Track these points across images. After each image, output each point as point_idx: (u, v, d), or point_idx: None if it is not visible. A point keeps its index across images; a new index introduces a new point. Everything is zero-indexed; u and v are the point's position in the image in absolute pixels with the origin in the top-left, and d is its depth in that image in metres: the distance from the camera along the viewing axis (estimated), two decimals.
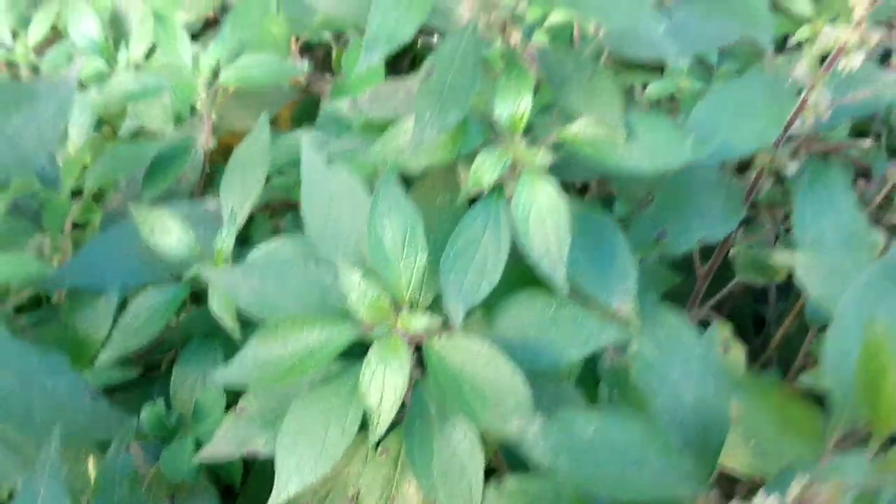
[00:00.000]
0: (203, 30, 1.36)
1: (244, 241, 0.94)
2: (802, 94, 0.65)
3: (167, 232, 0.70)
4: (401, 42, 0.51)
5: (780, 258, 0.63)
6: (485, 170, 0.56)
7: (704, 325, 0.78)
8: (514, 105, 0.56)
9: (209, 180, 1.00)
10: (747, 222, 0.86)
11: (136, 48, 0.97)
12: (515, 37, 0.60)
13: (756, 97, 0.61)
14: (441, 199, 0.59)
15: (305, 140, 0.59)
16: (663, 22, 0.64)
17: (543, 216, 0.54)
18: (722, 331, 0.72)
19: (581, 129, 0.56)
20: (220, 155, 1.10)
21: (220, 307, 0.66)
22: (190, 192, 0.87)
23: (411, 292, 0.55)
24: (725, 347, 0.71)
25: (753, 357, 0.95)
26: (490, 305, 0.57)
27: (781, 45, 1.01)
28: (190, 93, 0.81)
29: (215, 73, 0.82)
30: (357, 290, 0.55)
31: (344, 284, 0.55)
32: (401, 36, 0.51)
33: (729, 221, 0.66)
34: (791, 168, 0.71)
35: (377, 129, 0.62)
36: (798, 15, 0.98)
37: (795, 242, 0.64)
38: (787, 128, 0.66)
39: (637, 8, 0.51)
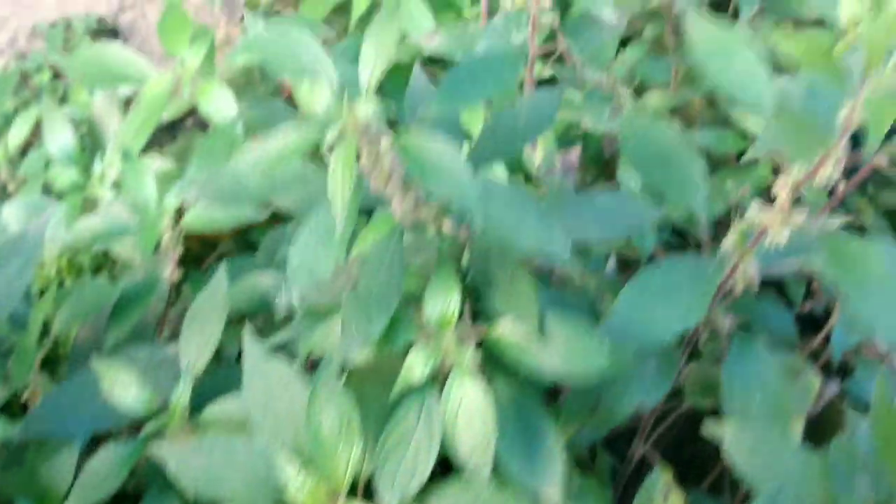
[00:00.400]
0: (183, 119, 1.40)
1: (217, 353, 0.98)
2: (731, 264, 0.68)
3: (125, 388, 0.72)
4: (322, 276, 0.54)
5: (709, 429, 0.65)
6: (415, 367, 0.59)
7: (648, 464, 0.80)
8: (443, 304, 0.59)
9: (184, 275, 1.04)
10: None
11: (109, 170, 1.00)
12: (447, 226, 0.62)
13: (679, 279, 0.63)
14: (378, 387, 0.61)
15: (248, 332, 0.62)
16: (598, 200, 0.68)
17: (471, 415, 0.57)
18: (664, 476, 0.74)
19: (504, 329, 0.59)
20: (196, 245, 1.14)
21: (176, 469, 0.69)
22: (157, 320, 0.90)
23: (348, 481, 0.58)
24: (665, 494, 0.74)
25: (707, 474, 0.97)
26: (424, 491, 0.59)
27: (740, 155, 1.04)
28: (155, 232, 0.83)
29: (180, 213, 0.85)
30: (295, 481, 0.58)
31: (283, 475, 0.58)
32: (322, 270, 0.54)
33: (663, 383, 0.69)
34: (726, 325, 0.74)
35: (321, 312, 0.65)
36: (751, 131, 1.01)
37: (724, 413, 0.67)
38: (717, 293, 0.69)
39: (546, 233, 0.54)
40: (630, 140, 0.72)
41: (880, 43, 0.53)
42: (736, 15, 0.98)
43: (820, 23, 1.00)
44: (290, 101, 1.39)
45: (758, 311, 0.84)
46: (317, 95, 0.54)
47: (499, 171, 0.83)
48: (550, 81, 0.97)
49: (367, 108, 0.53)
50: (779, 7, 1.04)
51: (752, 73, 0.64)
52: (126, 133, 0.94)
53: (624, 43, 1.15)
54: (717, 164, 1.06)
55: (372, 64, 0.55)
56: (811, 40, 0.54)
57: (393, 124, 1.16)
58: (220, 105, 0.94)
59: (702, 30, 0.65)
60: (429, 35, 0.87)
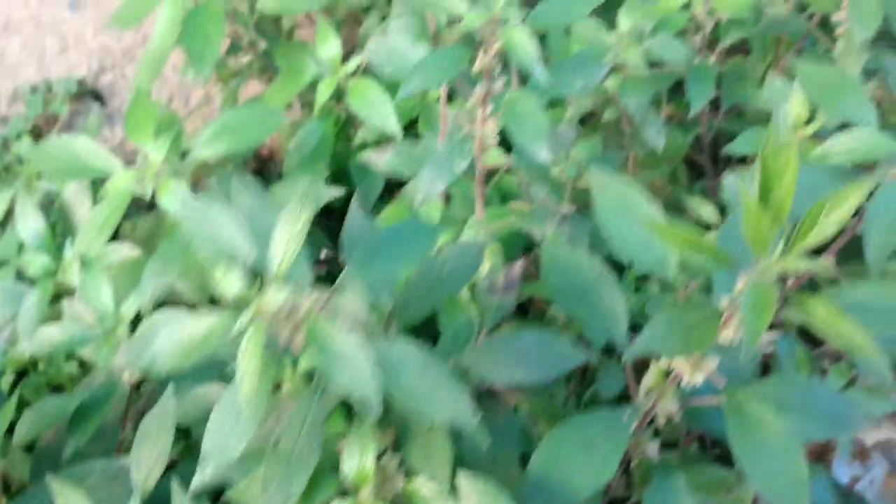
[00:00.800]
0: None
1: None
2: (652, 402, 0.70)
3: None
4: (232, 457, 0.56)
5: None
6: None
7: None
8: (360, 461, 0.62)
9: None
10: None
11: (77, 260, 1.02)
12: None
13: (592, 434, 0.66)
14: None
15: (175, 484, 0.65)
16: (523, 339, 0.70)
17: None
18: None
19: (419, 486, 0.62)
20: None
21: None
22: (119, 419, 0.93)
23: None
24: None
25: None
26: None
27: None
28: (111, 342, 0.86)
29: (138, 319, 0.88)
30: None
31: None
32: (232, 451, 0.56)
33: None
34: (653, 450, 0.76)
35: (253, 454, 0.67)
36: (705, 220, 1.03)
37: None
38: (642, 423, 0.72)
39: (456, 405, 0.57)
40: (552, 271, 0.75)
41: (765, 232, 0.54)
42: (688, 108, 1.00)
43: (767, 117, 1.02)
44: (259, 171, 1.42)
45: (698, 416, 0.86)
46: (231, 277, 0.57)
47: None
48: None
49: (277, 297, 0.55)
50: (732, 97, 1.05)
51: (654, 239, 0.66)
52: (88, 233, 0.97)
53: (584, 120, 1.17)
54: None
55: (282, 252, 0.57)
56: (691, 233, 0.56)
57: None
58: (181, 202, 0.96)
59: (605, 187, 0.68)
60: (380, 152, 0.89)
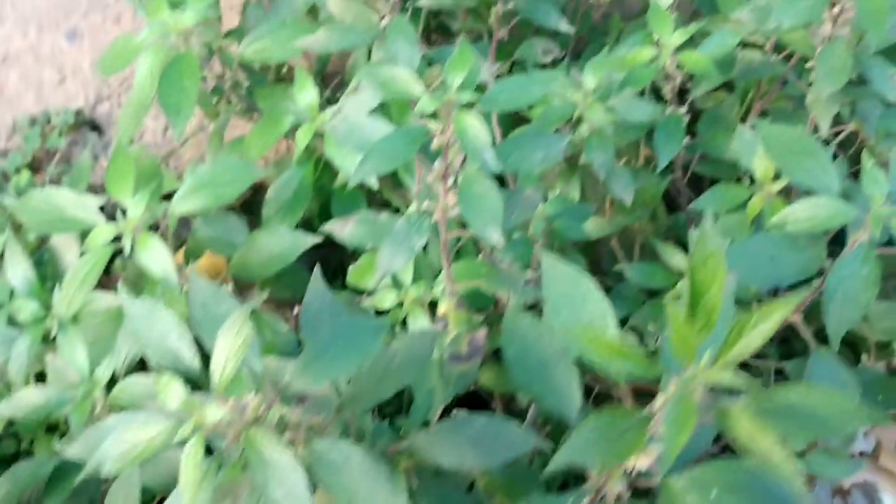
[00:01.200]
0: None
1: None
2: (603, 480, 0.71)
3: None
4: None
5: None
6: None
7: None
8: None
9: None
10: None
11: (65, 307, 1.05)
12: None
13: None
14: None
15: None
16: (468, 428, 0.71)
17: None
18: None
19: None
20: None
21: None
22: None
23: None
24: None
25: None
26: None
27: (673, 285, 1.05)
28: (85, 405, 0.89)
29: (112, 382, 0.91)
30: None
31: None
32: None
33: None
34: None
35: None
36: (675, 267, 1.03)
37: None
38: (592, 501, 0.73)
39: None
40: (511, 343, 0.75)
41: (691, 344, 0.55)
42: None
43: (734, 165, 1.01)
44: (251, 202, 1.44)
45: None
46: (172, 388, 0.58)
47: None
48: None
49: (216, 413, 0.57)
50: (704, 145, 1.05)
51: (601, 323, 0.67)
52: (71, 287, 0.99)
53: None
54: (652, 293, 1.08)
55: (223, 365, 0.59)
56: (623, 346, 0.56)
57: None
58: (158, 261, 0.98)
59: (556, 273, 0.68)
60: (341, 223, 0.90)
